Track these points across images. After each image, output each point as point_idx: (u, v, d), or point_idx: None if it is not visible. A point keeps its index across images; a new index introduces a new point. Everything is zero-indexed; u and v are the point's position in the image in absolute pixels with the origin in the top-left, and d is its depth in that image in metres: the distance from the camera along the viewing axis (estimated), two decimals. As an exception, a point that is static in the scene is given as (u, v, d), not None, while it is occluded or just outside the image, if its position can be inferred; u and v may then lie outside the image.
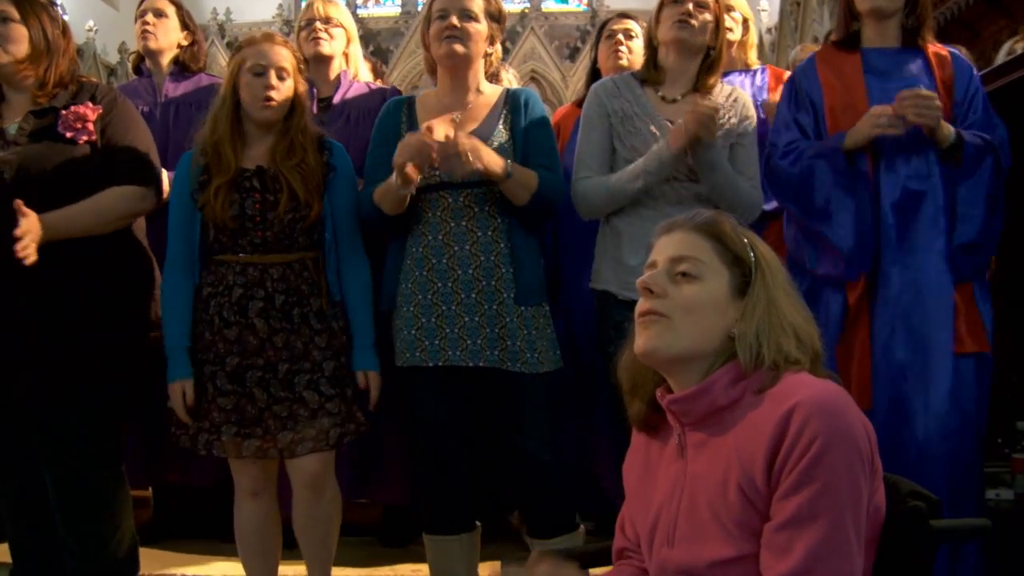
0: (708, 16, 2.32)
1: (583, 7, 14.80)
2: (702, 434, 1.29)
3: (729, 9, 2.93)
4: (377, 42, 13.67)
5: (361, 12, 14.51)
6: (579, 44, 13.92)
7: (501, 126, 2.27)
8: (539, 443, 2.19)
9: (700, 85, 2.37)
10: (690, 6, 2.29)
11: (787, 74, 2.99)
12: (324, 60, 2.88)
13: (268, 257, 2.17)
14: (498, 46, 2.38)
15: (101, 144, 2.26)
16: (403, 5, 14.79)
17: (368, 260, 2.28)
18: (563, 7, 14.92)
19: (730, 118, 2.35)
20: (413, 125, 2.29)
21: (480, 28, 2.26)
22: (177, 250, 2.23)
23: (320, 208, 2.19)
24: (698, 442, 1.29)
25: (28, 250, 2.03)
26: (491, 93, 2.34)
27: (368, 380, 2.20)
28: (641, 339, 1.31)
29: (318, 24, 2.88)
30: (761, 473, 1.17)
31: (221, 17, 13.69)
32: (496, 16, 2.32)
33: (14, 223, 2.07)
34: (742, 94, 2.44)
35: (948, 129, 2.22)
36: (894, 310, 2.25)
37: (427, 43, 2.32)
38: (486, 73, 2.39)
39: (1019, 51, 3.55)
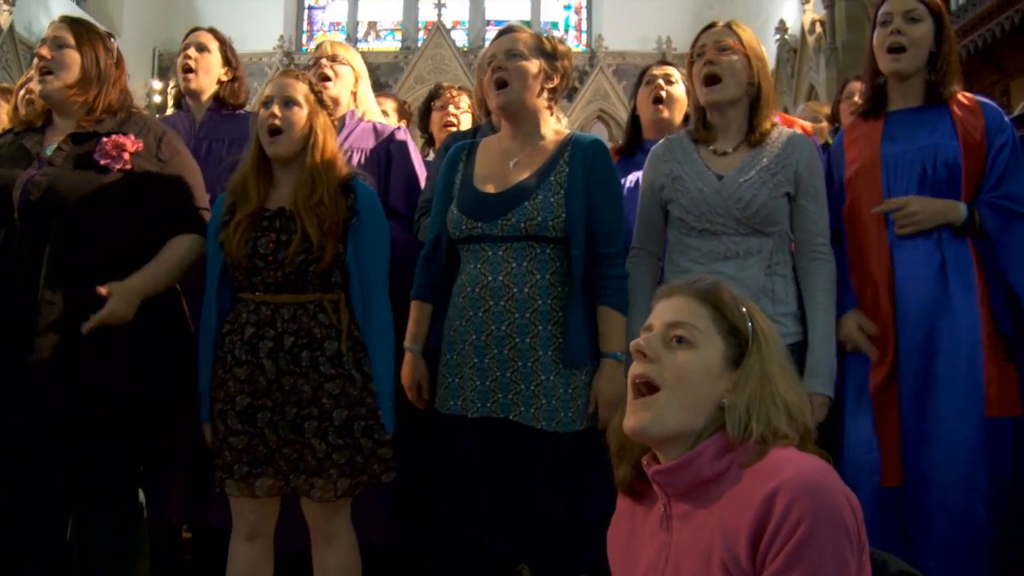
0: (734, 57, 2.26)
1: (581, 48, 14.92)
2: (687, 505, 1.27)
3: None
4: (376, 76, 13.74)
5: (361, 46, 14.61)
6: (577, 84, 14.00)
7: (553, 178, 2.19)
8: (555, 496, 2.15)
9: (753, 134, 2.30)
10: (711, 54, 2.26)
11: (798, 122, 2.97)
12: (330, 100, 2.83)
13: (280, 297, 2.15)
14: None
15: (138, 175, 2.27)
16: (403, 40, 14.90)
17: (390, 308, 2.24)
18: (561, 47, 15.04)
19: (784, 168, 2.26)
20: (468, 173, 2.27)
21: (529, 66, 2.22)
22: (210, 290, 2.23)
23: (336, 251, 2.15)
24: (683, 513, 1.28)
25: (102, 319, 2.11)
26: (553, 138, 2.28)
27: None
28: (631, 419, 1.30)
29: (324, 61, 2.87)
30: (745, 551, 1.15)
31: (222, 46, 13.76)
32: (551, 53, 2.27)
33: (39, 241, 2.13)
34: (801, 140, 2.34)
35: (957, 212, 2.21)
36: (922, 381, 2.20)
37: (486, 92, 2.29)
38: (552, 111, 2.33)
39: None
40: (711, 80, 2.27)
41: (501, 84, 2.21)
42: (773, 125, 2.33)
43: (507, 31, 2.31)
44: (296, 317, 2.14)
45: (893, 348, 2.24)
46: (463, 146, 2.37)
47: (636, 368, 1.32)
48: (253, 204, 2.19)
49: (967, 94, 2.37)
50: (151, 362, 2.23)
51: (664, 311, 1.35)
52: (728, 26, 2.33)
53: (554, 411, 2.12)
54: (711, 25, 2.37)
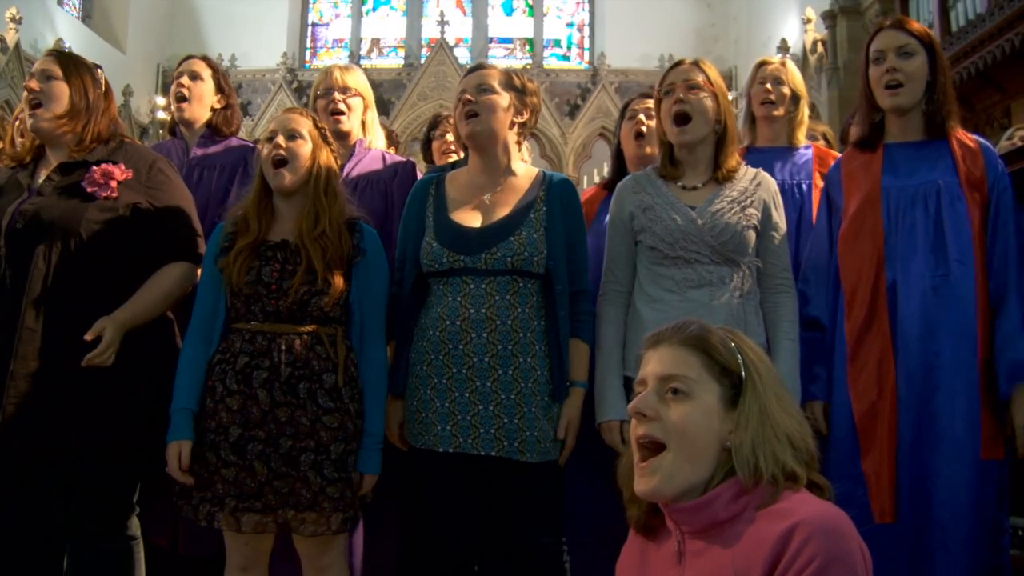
0: (703, 95, 2.29)
1: (584, 65, 14.99)
2: (701, 543, 1.29)
3: (778, 82, 2.90)
4: (379, 93, 13.74)
5: (364, 63, 14.68)
6: (579, 101, 14.06)
7: (533, 216, 2.22)
8: (543, 529, 2.14)
9: (720, 170, 2.33)
10: (681, 93, 2.28)
11: (834, 156, 2.94)
12: (343, 135, 2.79)
13: (278, 327, 2.13)
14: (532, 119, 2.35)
15: (125, 204, 2.27)
16: (406, 57, 14.97)
17: (386, 348, 2.22)
18: (564, 64, 15.11)
19: (752, 202, 2.30)
20: (440, 205, 2.27)
21: (499, 100, 2.25)
22: (198, 318, 2.22)
23: (343, 288, 2.14)
24: (697, 551, 1.29)
25: (103, 357, 2.12)
26: (524, 175, 2.31)
27: (362, 481, 2.13)
28: (641, 484, 1.32)
29: (336, 95, 2.80)
30: None
31: (226, 63, 13.81)
32: (519, 88, 2.30)
33: (23, 269, 2.12)
34: (766, 178, 2.38)
35: None
36: (919, 415, 2.19)
37: (456, 123, 2.31)
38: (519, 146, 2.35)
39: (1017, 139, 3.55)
40: (681, 119, 2.30)
41: (471, 115, 2.24)
42: (738, 162, 2.37)
43: (477, 68, 2.34)
44: (292, 348, 2.12)
45: (891, 377, 2.23)
46: (429, 180, 2.38)
47: (638, 429, 1.33)
48: (254, 234, 2.19)
49: (969, 135, 2.37)
50: (140, 390, 2.22)
51: (654, 363, 1.35)
52: (696, 64, 2.36)
53: (536, 441, 2.14)
54: (679, 63, 2.40)
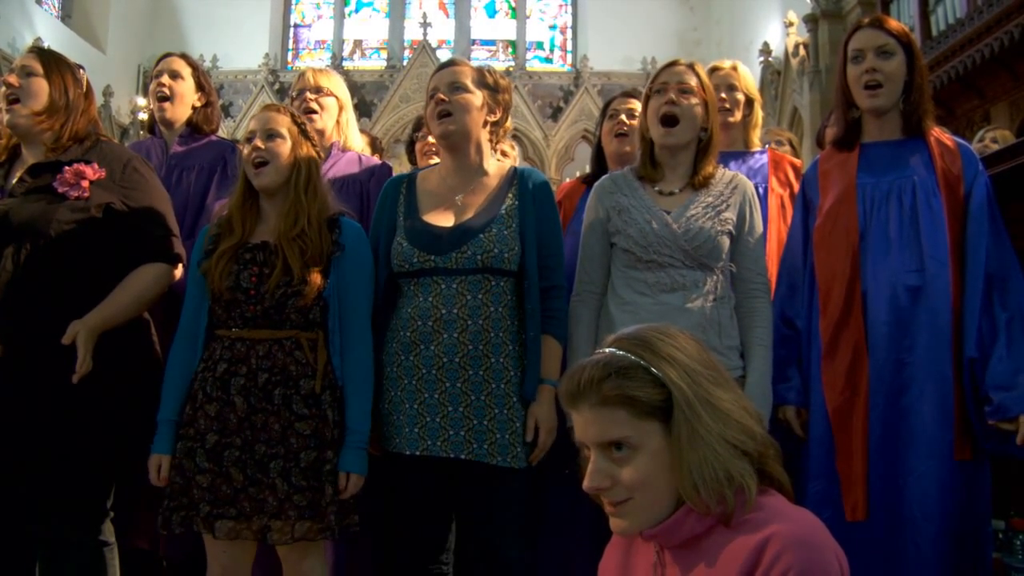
0: (694, 100, 2.27)
1: (567, 67, 15.01)
2: (679, 554, 1.27)
3: (731, 88, 2.89)
4: (361, 95, 13.76)
5: (346, 64, 14.65)
6: (562, 104, 14.08)
7: (504, 212, 2.20)
8: (509, 537, 2.11)
9: (697, 176, 2.31)
10: (673, 94, 2.26)
11: (790, 160, 2.94)
12: (317, 134, 2.76)
13: (256, 333, 2.10)
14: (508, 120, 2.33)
15: (97, 204, 2.23)
16: (388, 59, 14.94)
17: (372, 347, 2.18)
18: (547, 67, 15.13)
19: (728, 207, 2.29)
20: (411, 206, 2.24)
21: (472, 98, 2.22)
22: (185, 323, 2.19)
23: (320, 286, 2.11)
24: (674, 562, 1.28)
25: (84, 368, 2.08)
26: (496, 172, 2.28)
27: (348, 482, 2.09)
28: (616, 527, 1.30)
29: (308, 94, 2.82)
30: None
31: (207, 64, 13.73)
32: (492, 86, 2.28)
33: None
34: (743, 181, 2.37)
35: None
36: (888, 411, 2.18)
37: (428, 122, 2.29)
38: (493, 145, 2.33)
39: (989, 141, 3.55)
40: (669, 121, 2.28)
41: (444, 114, 2.22)
42: (715, 168, 2.36)
43: (448, 64, 2.31)
44: (271, 353, 2.09)
45: (864, 374, 2.22)
46: (400, 179, 2.36)
47: (602, 497, 1.30)
48: (237, 237, 2.17)
49: (946, 134, 2.36)
50: (114, 393, 2.18)
51: (584, 431, 1.30)
52: (691, 66, 2.35)
53: (508, 446, 2.11)
54: (674, 62, 2.38)
